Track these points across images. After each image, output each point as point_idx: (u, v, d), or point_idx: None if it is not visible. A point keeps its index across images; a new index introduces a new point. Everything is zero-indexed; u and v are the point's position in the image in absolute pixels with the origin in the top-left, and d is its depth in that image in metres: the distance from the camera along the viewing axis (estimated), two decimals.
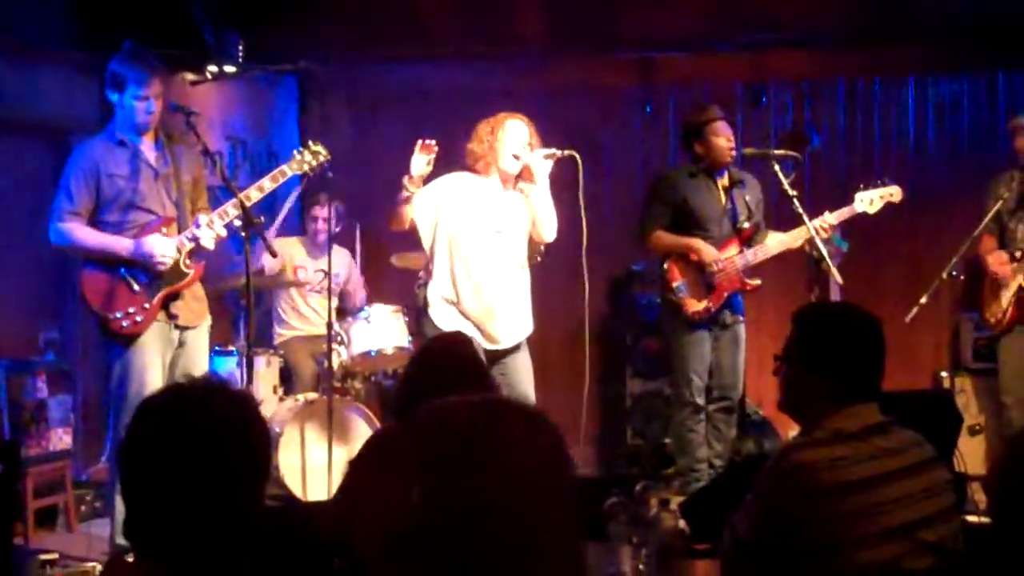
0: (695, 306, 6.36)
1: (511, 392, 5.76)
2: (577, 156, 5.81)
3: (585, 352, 5.96)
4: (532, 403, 5.70)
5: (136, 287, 5.39)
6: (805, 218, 6.04)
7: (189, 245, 5.47)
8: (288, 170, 5.69)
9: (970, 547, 3.07)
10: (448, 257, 5.85)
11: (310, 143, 5.83)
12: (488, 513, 1.79)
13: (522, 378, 5.92)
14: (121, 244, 5.39)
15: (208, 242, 5.48)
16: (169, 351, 5.50)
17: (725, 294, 6.36)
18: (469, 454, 1.83)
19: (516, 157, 5.83)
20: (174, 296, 5.50)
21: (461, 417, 1.89)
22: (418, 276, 6.22)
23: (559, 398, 6.54)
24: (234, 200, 5.44)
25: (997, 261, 6.65)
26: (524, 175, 5.90)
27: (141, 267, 5.39)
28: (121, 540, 5.29)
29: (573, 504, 1.88)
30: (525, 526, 1.80)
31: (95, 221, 5.42)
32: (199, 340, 5.65)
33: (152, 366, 5.40)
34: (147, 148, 5.52)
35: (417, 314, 6.03)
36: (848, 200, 6.29)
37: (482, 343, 5.72)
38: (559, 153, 5.84)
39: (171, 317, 5.50)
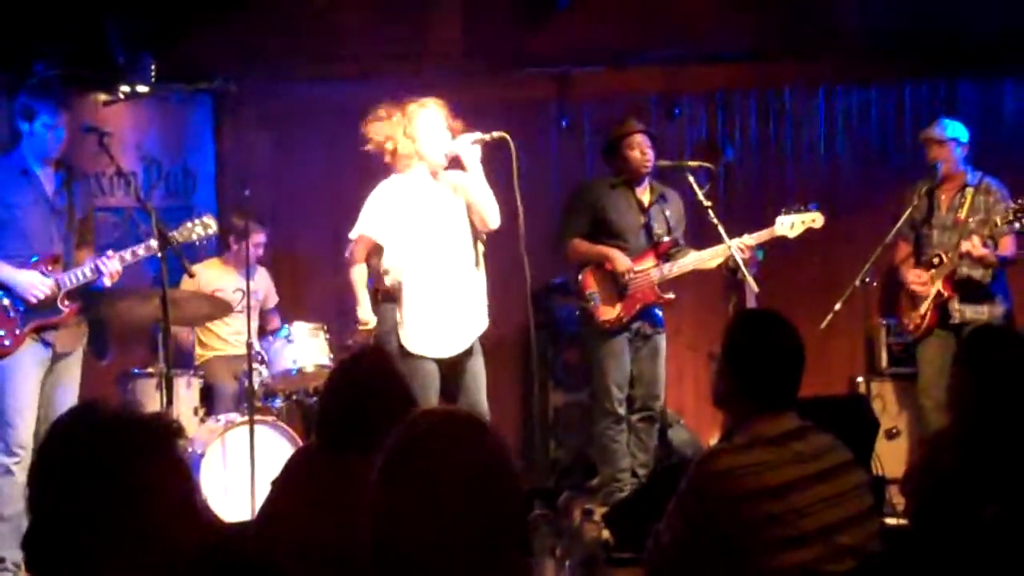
0: (607, 314, 6.38)
1: (464, 398, 5.62)
2: (508, 138, 5.51)
3: (533, 354, 5.86)
4: (482, 409, 5.62)
5: (11, 313, 5.43)
6: (725, 238, 6.08)
7: (70, 285, 5.50)
8: (179, 236, 5.69)
9: (889, 548, 3.13)
10: (396, 266, 5.61)
11: (204, 217, 5.82)
12: (439, 522, 1.84)
13: (475, 384, 5.68)
14: (2, 269, 5.43)
15: (107, 280, 5.53)
16: (42, 371, 5.54)
17: (638, 305, 6.36)
18: (417, 467, 1.88)
19: (447, 156, 5.59)
20: (50, 326, 5.53)
21: (412, 432, 1.96)
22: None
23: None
24: (144, 245, 5.54)
25: (917, 280, 6.70)
26: (454, 164, 5.62)
27: (20, 295, 5.43)
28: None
29: (520, 510, 1.92)
30: (477, 531, 1.88)
31: None
32: (72, 364, 5.68)
33: (24, 383, 5.45)
34: (47, 179, 5.58)
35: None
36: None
37: (436, 351, 5.58)
38: (487, 137, 5.57)
39: (46, 344, 5.54)
